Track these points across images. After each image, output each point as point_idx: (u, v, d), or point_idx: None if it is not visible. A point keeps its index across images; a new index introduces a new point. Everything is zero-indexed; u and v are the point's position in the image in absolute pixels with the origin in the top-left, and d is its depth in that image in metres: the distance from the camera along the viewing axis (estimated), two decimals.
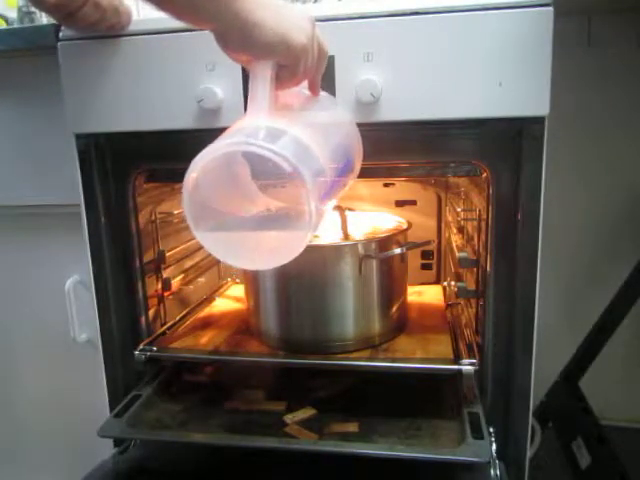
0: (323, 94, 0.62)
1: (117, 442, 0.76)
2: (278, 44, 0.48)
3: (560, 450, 1.08)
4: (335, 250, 0.76)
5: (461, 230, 0.97)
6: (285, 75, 0.52)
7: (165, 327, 0.87)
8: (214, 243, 0.51)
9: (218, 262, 1.13)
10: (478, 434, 0.63)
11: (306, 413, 0.73)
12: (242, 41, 0.48)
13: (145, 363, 0.77)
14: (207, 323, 0.90)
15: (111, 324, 0.81)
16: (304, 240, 0.48)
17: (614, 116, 1.15)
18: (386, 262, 0.79)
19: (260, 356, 0.79)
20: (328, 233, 0.80)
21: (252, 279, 0.83)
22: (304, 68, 0.53)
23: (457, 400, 0.72)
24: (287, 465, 0.68)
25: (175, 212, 0.94)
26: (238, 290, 1.07)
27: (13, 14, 1.07)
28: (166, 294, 0.91)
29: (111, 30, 0.68)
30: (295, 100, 0.59)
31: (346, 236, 0.80)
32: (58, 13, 0.66)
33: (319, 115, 0.61)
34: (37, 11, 1.04)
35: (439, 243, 1.11)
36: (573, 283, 1.26)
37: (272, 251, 0.52)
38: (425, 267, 1.13)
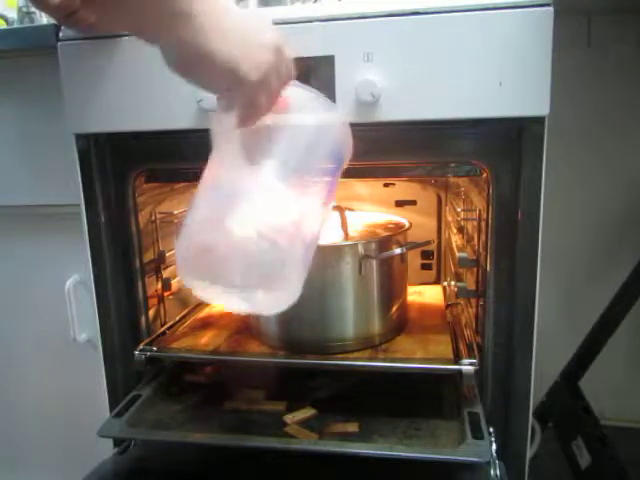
0: (305, 94, 0.56)
1: (117, 442, 0.75)
2: (229, 79, 0.45)
3: (560, 450, 1.08)
4: (335, 250, 0.76)
5: (461, 230, 0.97)
6: (245, 113, 0.48)
7: (165, 327, 0.87)
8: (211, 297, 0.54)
9: None
10: (478, 434, 0.63)
11: (306, 413, 0.73)
12: (189, 69, 0.45)
13: (145, 363, 0.77)
14: (207, 323, 0.90)
15: (111, 324, 0.81)
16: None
17: (614, 116, 1.15)
18: (386, 262, 0.79)
19: (260, 356, 0.79)
20: (328, 233, 0.80)
21: None
22: (266, 99, 0.48)
23: (457, 400, 0.72)
24: (287, 465, 0.68)
25: (175, 212, 0.94)
26: None
27: (13, 14, 1.07)
28: (166, 294, 0.91)
29: None
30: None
31: (346, 236, 0.80)
32: (58, 13, 0.65)
33: (303, 127, 0.55)
34: (37, 11, 1.04)
35: (439, 243, 1.11)
36: (573, 283, 1.26)
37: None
38: (425, 267, 1.13)
